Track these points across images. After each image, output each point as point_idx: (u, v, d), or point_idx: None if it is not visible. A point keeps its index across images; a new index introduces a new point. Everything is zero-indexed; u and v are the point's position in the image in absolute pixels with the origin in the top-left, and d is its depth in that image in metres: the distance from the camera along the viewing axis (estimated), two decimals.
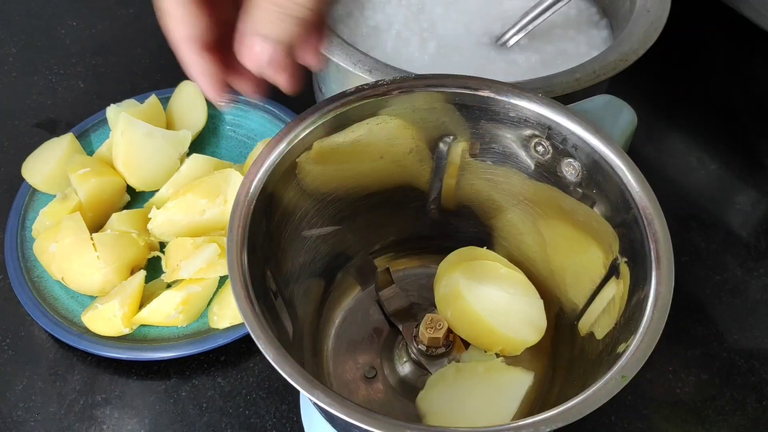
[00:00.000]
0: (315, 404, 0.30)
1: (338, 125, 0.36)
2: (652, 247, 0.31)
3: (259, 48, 0.29)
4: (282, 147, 0.34)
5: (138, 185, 0.54)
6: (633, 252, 0.33)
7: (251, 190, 0.32)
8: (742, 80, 0.67)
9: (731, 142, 0.62)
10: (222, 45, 0.31)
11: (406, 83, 0.36)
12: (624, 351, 0.28)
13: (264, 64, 0.29)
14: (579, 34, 0.55)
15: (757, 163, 0.61)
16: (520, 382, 0.37)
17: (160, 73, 0.66)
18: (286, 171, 0.35)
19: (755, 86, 0.67)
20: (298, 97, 0.63)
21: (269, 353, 0.27)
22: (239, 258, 0.30)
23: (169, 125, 0.58)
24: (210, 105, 0.59)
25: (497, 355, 0.40)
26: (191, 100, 0.58)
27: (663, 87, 0.66)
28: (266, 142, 0.35)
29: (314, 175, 0.37)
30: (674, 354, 0.50)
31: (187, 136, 0.55)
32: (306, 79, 0.63)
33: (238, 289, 0.29)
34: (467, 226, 0.44)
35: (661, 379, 0.49)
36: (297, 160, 0.35)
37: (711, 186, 0.59)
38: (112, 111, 0.55)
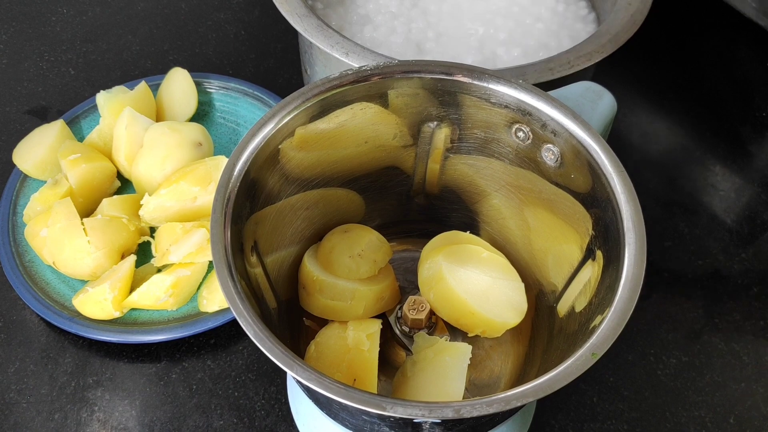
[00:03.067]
0: (297, 381, 0.31)
1: (322, 110, 0.37)
2: (625, 228, 0.32)
3: None
4: (265, 132, 0.34)
5: (140, 182, 0.54)
6: (607, 234, 0.33)
7: (234, 174, 0.33)
8: (726, 68, 0.68)
9: (716, 129, 0.63)
10: None
11: (389, 69, 0.37)
12: (595, 329, 0.29)
13: None
14: (562, 29, 0.56)
15: (741, 149, 0.62)
16: (462, 354, 0.38)
17: (151, 60, 0.66)
18: (269, 155, 0.35)
19: (740, 74, 0.67)
20: (288, 83, 0.65)
21: (250, 330, 0.27)
22: (223, 239, 0.31)
23: (159, 112, 0.59)
24: (200, 92, 0.60)
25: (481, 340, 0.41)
26: (181, 88, 0.59)
27: (648, 74, 0.67)
28: None
29: (298, 160, 0.38)
30: (656, 337, 0.51)
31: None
32: (295, 66, 0.64)
33: (222, 268, 0.30)
34: (451, 211, 0.45)
35: (643, 361, 0.49)
36: (280, 145, 0.36)
37: (695, 172, 0.60)
38: (101, 97, 0.56)
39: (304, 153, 0.37)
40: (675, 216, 0.57)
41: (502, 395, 0.27)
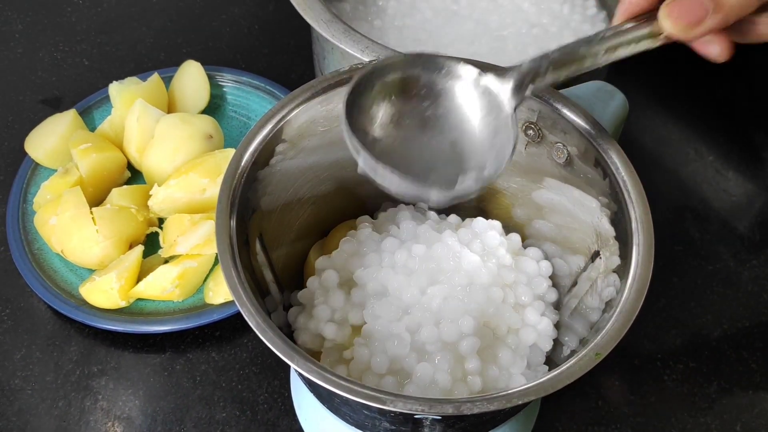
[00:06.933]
0: (298, 373, 0.31)
1: (331, 103, 0.36)
2: (633, 229, 0.31)
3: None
4: (274, 123, 0.34)
5: (150, 173, 0.54)
6: (616, 235, 0.33)
7: (241, 165, 0.33)
8: (741, 72, 0.67)
9: (729, 134, 0.62)
10: None
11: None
12: (601, 329, 0.29)
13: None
14: (566, 30, 0.55)
15: (755, 155, 0.61)
16: None
17: (164, 53, 0.66)
18: (278, 146, 0.35)
19: (754, 79, 0.66)
20: (300, 78, 0.64)
21: (252, 320, 0.27)
22: (227, 229, 0.31)
23: (171, 104, 0.59)
24: (212, 85, 0.60)
25: None
26: (194, 80, 0.59)
27: (661, 77, 0.66)
28: None
29: (307, 153, 0.38)
30: (663, 341, 0.50)
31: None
32: (308, 62, 0.64)
33: (225, 257, 0.30)
34: (460, 209, 0.44)
35: (650, 365, 0.49)
36: (288, 137, 0.36)
37: (707, 177, 0.59)
38: (114, 88, 0.56)
39: (312, 146, 0.37)
40: (686, 221, 0.57)
41: (504, 393, 0.26)
